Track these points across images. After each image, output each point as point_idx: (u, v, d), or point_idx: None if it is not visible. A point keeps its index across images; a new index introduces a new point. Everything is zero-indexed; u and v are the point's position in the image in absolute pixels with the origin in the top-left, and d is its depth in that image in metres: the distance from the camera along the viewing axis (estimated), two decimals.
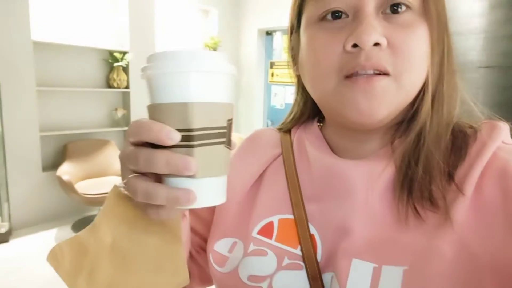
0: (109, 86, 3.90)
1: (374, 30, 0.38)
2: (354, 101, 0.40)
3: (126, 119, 4.02)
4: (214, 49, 4.74)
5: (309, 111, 0.54)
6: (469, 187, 0.38)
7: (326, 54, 0.41)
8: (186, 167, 0.31)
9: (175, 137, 0.32)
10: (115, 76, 3.84)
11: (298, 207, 0.45)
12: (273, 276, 0.43)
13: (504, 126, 0.42)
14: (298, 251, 0.43)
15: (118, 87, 3.89)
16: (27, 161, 3.32)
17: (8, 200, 3.19)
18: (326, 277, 0.41)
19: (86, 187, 3.21)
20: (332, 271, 0.40)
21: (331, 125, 0.50)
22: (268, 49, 5.05)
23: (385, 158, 0.43)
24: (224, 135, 0.34)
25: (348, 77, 0.40)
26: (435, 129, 0.41)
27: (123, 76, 3.88)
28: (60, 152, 3.59)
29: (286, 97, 4.92)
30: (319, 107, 0.49)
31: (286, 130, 0.56)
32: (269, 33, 4.99)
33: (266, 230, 0.46)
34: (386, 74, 0.39)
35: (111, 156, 3.76)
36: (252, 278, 0.44)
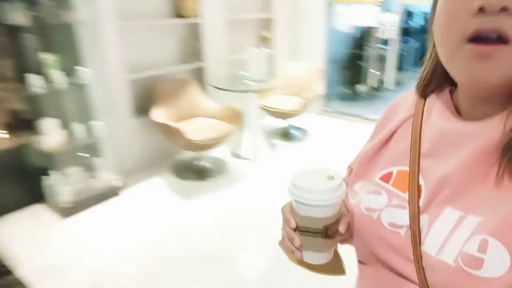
0: (178, 16, 3.46)
1: None
2: (469, 65, 0.43)
3: (197, 53, 3.65)
4: None
5: (440, 70, 0.55)
6: None
7: (451, 17, 0.44)
8: (293, 242, 0.58)
9: (291, 225, 0.58)
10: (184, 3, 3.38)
11: (414, 162, 0.54)
12: (382, 210, 0.55)
13: None
14: (405, 196, 0.53)
15: (188, 16, 3.45)
16: (116, 107, 3.03)
17: (112, 152, 2.96)
18: (423, 217, 0.49)
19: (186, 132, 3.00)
20: (428, 214, 0.49)
21: (458, 88, 0.54)
22: None
23: (497, 122, 0.45)
24: (320, 233, 0.56)
25: (471, 41, 0.41)
26: None
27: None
28: (142, 96, 3.28)
29: (354, 18, 4.50)
30: None
31: (423, 95, 0.60)
32: None
33: (386, 177, 0.58)
34: (507, 41, 0.39)
35: (196, 96, 3.47)
36: (367, 209, 0.57)
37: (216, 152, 3.56)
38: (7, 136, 2.72)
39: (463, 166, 0.47)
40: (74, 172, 2.81)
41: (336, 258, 0.65)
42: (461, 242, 0.44)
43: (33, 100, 2.62)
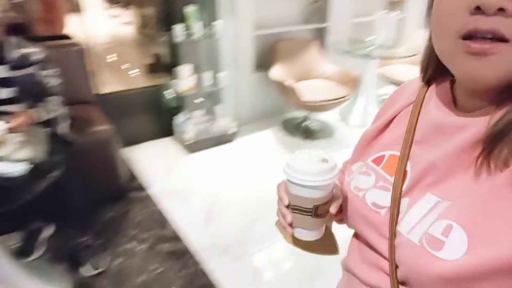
0: None
1: None
2: (465, 62, 0.43)
3: (322, 13, 3.62)
4: None
5: (435, 58, 0.54)
6: None
7: (448, 13, 0.44)
8: (285, 218, 0.63)
9: (284, 203, 0.63)
10: None
11: (406, 148, 0.56)
12: (368, 190, 0.59)
13: None
14: (391, 179, 0.56)
15: None
16: (240, 60, 3.25)
17: (231, 102, 3.25)
18: (404, 201, 0.52)
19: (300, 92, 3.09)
20: (409, 197, 0.52)
21: (456, 79, 0.53)
22: None
23: (486, 116, 0.46)
24: (310, 212, 0.60)
25: (465, 38, 0.42)
26: None
27: None
28: (263, 52, 3.44)
29: None
30: None
31: (426, 82, 0.60)
32: None
33: (377, 160, 0.61)
34: (504, 40, 0.40)
35: (315, 58, 3.51)
36: (356, 188, 0.61)
37: (326, 115, 3.60)
38: (140, 74, 3.17)
39: (449, 156, 0.49)
40: (198, 115, 3.16)
41: (330, 237, 0.69)
42: (428, 224, 0.47)
43: (173, 46, 2.98)
